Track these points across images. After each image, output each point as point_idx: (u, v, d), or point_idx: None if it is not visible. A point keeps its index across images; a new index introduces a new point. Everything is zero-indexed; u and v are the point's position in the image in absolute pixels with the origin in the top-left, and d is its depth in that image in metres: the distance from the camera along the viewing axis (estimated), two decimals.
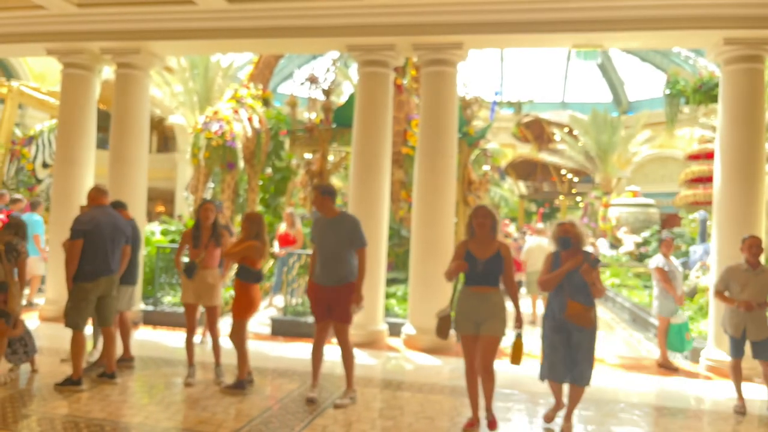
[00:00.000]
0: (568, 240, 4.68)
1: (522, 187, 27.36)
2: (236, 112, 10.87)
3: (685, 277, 10.89)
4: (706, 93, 13.89)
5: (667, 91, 14.21)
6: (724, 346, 6.36)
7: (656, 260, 7.18)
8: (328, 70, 13.05)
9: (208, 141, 10.14)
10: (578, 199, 25.34)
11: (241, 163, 10.52)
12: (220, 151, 10.13)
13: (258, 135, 11.23)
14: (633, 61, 27.36)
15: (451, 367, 6.88)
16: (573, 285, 4.58)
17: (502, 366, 5.21)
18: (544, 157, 25.24)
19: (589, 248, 12.84)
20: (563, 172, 25.23)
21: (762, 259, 6.01)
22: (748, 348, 5.55)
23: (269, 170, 12.62)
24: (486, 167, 14.97)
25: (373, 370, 6.56)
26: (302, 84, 12.95)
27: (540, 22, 7.13)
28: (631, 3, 6.87)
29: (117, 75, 8.58)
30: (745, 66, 6.90)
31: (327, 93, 12.33)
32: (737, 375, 5.56)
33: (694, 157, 15.72)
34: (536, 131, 26.99)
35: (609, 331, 9.96)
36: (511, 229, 17.13)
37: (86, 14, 8.03)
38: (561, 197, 25.86)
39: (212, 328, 5.70)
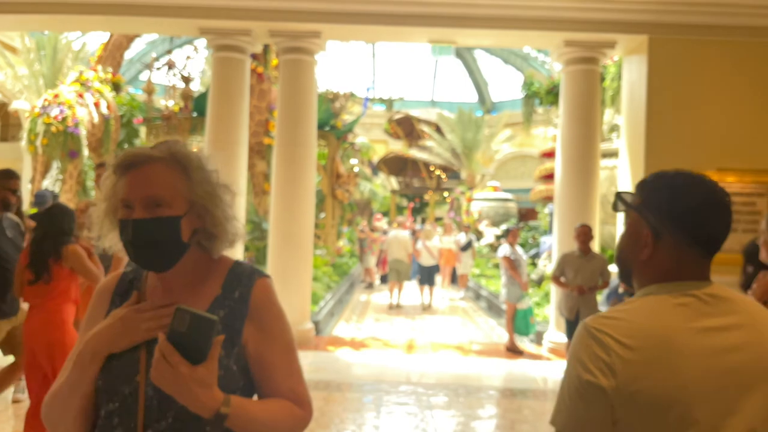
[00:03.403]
0: None
1: (394, 182, 27.89)
2: (81, 96, 9.99)
3: (535, 265, 11.60)
4: (557, 95, 14.89)
5: (523, 93, 15.05)
6: (563, 329, 6.79)
7: (503, 250, 7.53)
8: (188, 56, 12.42)
9: (47, 126, 9.22)
10: (446, 194, 26.27)
11: (86, 152, 9.68)
12: (61, 137, 9.26)
13: (106, 122, 10.40)
14: (496, 63, 28.85)
15: (309, 361, 6.76)
16: None
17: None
18: (415, 153, 25.89)
19: (461, 236, 13.30)
20: (432, 168, 26.04)
21: (595, 246, 6.48)
22: None
23: None
24: (354, 161, 15.03)
25: None
26: (159, 69, 12.22)
27: (397, 15, 7.18)
28: (483, 2, 7.12)
29: None
30: (583, 67, 7.40)
31: (186, 80, 11.72)
32: None
33: (547, 155, 16.78)
34: (407, 128, 27.64)
35: (467, 318, 10.36)
36: (383, 223, 17.38)
37: None
38: (430, 192, 26.69)
39: None
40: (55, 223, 3.66)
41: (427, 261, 11.70)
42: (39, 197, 5.97)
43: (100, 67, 11.07)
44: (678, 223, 1.20)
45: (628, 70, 7.58)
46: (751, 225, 6.90)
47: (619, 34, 7.10)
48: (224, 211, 1.35)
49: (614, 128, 11.43)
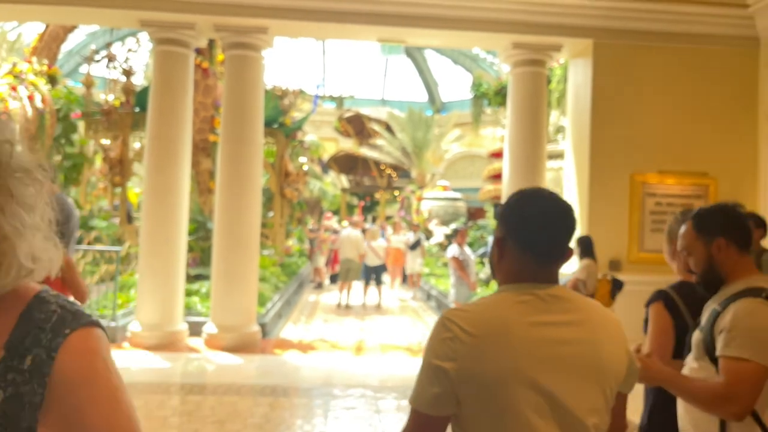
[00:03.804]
0: None
1: (344, 180, 27.74)
2: (14, 89, 9.48)
3: (483, 264, 11.70)
4: (505, 96, 15.08)
5: (472, 93, 15.18)
6: None
7: (452, 250, 7.55)
8: (130, 49, 11.97)
9: None
10: (396, 193, 26.31)
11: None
12: None
13: (41, 116, 9.90)
14: (446, 64, 29.08)
15: (255, 365, 6.60)
16: None
17: None
18: (365, 152, 25.82)
19: (411, 235, 13.27)
20: (383, 167, 26.03)
21: None
22: None
23: (58, 157, 11.22)
24: (303, 159, 14.82)
25: (166, 374, 6.04)
26: (98, 62, 11.73)
27: (347, 13, 7.09)
28: (432, 2, 7.10)
29: None
30: (530, 69, 7.48)
31: (128, 73, 11.28)
32: None
33: (496, 155, 16.99)
34: (357, 126, 27.54)
35: (417, 318, 10.36)
36: (333, 222, 17.22)
37: None
38: (381, 191, 26.67)
39: None
40: None
41: (372, 261, 11.66)
42: None
43: (35, 59, 10.53)
44: (513, 232, 1.38)
45: (574, 73, 7.72)
46: None
47: (565, 37, 7.21)
48: (15, 214, 0.84)
49: (560, 130, 11.65)
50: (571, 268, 6.51)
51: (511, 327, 1.28)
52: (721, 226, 1.93)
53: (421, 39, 8.17)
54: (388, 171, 26.12)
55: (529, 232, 1.36)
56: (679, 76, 7.21)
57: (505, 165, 7.67)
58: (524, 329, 1.28)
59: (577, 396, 1.28)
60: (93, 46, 13.69)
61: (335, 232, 15.22)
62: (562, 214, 1.38)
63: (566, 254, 1.40)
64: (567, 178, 7.77)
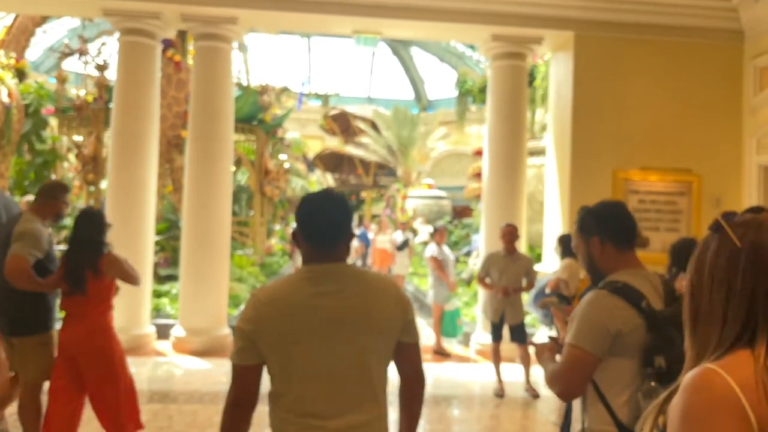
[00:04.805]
0: None
1: (330, 179, 27.45)
2: None
3: (466, 264, 11.48)
4: None
5: (457, 91, 14.96)
6: (489, 330, 6.62)
7: (430, 249, 7.30)
8: (103, 43, 11.63)
9: None
10: (381, 192, 26.06)
11: None
12: None
13: (7, 111, 9.54)
14: (432, 61, 28.87)
15: (224, 370, 6.31)
16: None
17: None
18: (351, 150, 25.53)
19: (398, 234, 12.93)
20: (368, 165, 25.76)
21: (522, 245, 6.32)
22: (507, 332, 5.78)
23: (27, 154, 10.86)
24: (284, 156, 14.53)
25: None
26: (69, 55, 11.39)
27: (320, 3, 6.81)
28: None
29: None
30: (510, 63, 7.24)
31: (101, 68, 10.95)
32: (497, 358, 5.75)
33: (480, 153, 16.79)
34: (343, 124, 27.24)
35: None
36: None
37: None
38: (366, 190, 26.40)
39: None
40: (86, 232, 3.46)
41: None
42: None
43: (1, 52, 10.16)
44: (298, 226, 1.78)
45: (555, 67, 7.49)
46: (672, 224, 6.93)
47: (546, 29, 6.98)
48: None
49: (545, 128, 11.45)
50: (552, 268, 6.29)
51: (293, 297, 1.69)
52: (594, 226, 2.01)
53: (397, 30, 7.91)
54: (374, 169, 25.85)
55: (307, 225, 1.76)
56: (662, 70, 7.01)
57: (484, 162, 7.44)
58: (303, 298, 1.69)
59: (349, 343, 1.68)
60: (66, 40, 13.32)
61: None
62: (328, 207, 1.76)
63: (343, 237, 1.77)
64: (548, 175, 7.55)
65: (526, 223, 7.35)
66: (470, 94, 14.94)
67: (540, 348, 2.17)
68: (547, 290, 5.47)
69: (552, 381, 1.94)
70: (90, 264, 3.38)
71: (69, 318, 3.45)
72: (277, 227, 17.64)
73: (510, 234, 5.65)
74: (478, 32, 7.23)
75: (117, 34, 7.09)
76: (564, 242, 5.57)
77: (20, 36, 10.81)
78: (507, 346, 5.97)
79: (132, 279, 3.56)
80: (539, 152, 9.47)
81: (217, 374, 6.15)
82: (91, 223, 3.50)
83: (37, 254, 3.39)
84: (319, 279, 1.71)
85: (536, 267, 6.00)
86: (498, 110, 7.24)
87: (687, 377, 1.00)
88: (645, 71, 7.01)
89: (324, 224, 1.74)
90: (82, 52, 11.01)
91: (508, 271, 5.61)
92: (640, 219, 6.71)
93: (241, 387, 1.71)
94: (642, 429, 1.10)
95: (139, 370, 6.03)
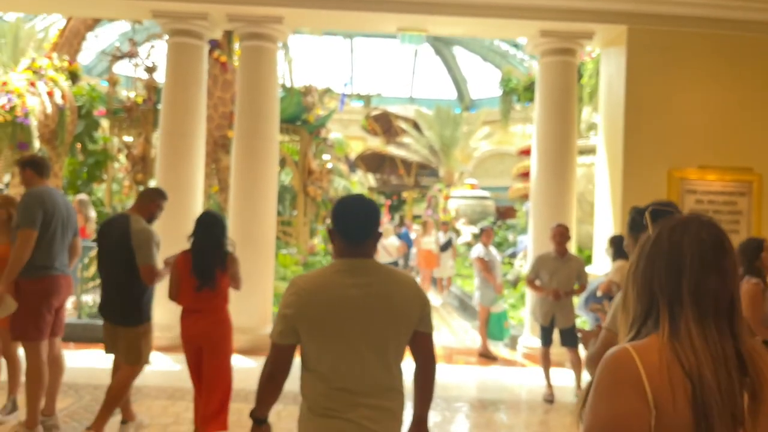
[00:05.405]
0: None
1: (371, 179, 27.45)
2: (32, 84, 9.38)
3: (511, 265, 11.26)
4: (534, 91, 14.63)
5: (501, 90, 14.72)
6: (538, 334, 6.44)
7: (477, 250, 7.15)
8: (153, 45, 11.86)
9: None
10: (423, 192, 25.92)
11: (37, 144, 9.09)
12: (9, 128, 8.65)
13: (61, 112, 9.81)
14: (475, 61, 28.56)
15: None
16: None
17: None
18: (392, 150, 25.47)
19: (440, 235, 12.80)
20: (409, 165, 25.65)
21: (572, 247, 6.12)
22: (557, 336, 5.61)
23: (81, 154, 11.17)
24: (327, 156, 14.55)
25: (176, 377, 5.79)
26: (119, 59, 11.67)
27: (365, 0, 6.76)
28: None
29: None
30: (559, 59, 7.05)
31: (150, 70, 11.18)
32: (546, 363, 5.58)
33: (525, 153, 16.47)
34: (384, 125, 27.22)
35: (441, 321, 9.98)
36: None
37: None
38: (408, 190, 26.30)
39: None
40: (214, 233, 3.88)
41: (383, 259, 11.27)
42: None
43: (55, 55, 10.46)
44: (334, 224, 2.03)
45: (606, 63, 7.25)
46: (732, 225, 6.61)
47: (597, 23, 6.76)
48: None
49: (592, 127, 11.13)
50: (603, 270, 6.08)
51: (330, 286, 1.94)
52: (646, 225, 2.14)
53: (443, 28, 7.79)
54: (416, 169, 25.73)
55: (342, 223, 2.01)
56: (720, 65, 6.70)
57: (533, 160, 7.25)
58: (339, 288, 1.94)
59: (374, 330, 1.94)
60: (117, 44, 13.66)
61: None
62: (359, 209, 2.02)
63: (372, 235, 2.02)
64: (599, 174, 7.31)
65: (575, 224, 7.14)
66: (515, 92, 14.68)
67: (586, 334, 2.36)
68: (599, 293, 5.29)
69: (589, 363, 2.14)
70: (220, 262, 3.81)
71: (196, 313, 3.83)
72: (320, 227, 17.72)
73: (561, 235, 5.47)
74: (526, 28, 7.06)
75: (165, 37, 7.20)
76: (616, 243, 5.36)
77: (73, 39, 11.11)
78: (556, 349, 5.79)
79: (239, 280, 3.97)
80: (588, 151, 9.20)
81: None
82: (217, 226, 3.92)
83: (157, 253, 3.96)
84: (352, 272, 1.96)
85: (587, 269, 5.80)
86: (546, 108, 7.05)
87: (605, 356, 1.15)
88: (701, 66, 6.72)
89: (355, 223, 2.00)
90: (132, 55, 11.25)
91: (559, 273, 5.43)
92: None
93: (278, 363, 2.00)
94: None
95: (184, 367, 6.08)
